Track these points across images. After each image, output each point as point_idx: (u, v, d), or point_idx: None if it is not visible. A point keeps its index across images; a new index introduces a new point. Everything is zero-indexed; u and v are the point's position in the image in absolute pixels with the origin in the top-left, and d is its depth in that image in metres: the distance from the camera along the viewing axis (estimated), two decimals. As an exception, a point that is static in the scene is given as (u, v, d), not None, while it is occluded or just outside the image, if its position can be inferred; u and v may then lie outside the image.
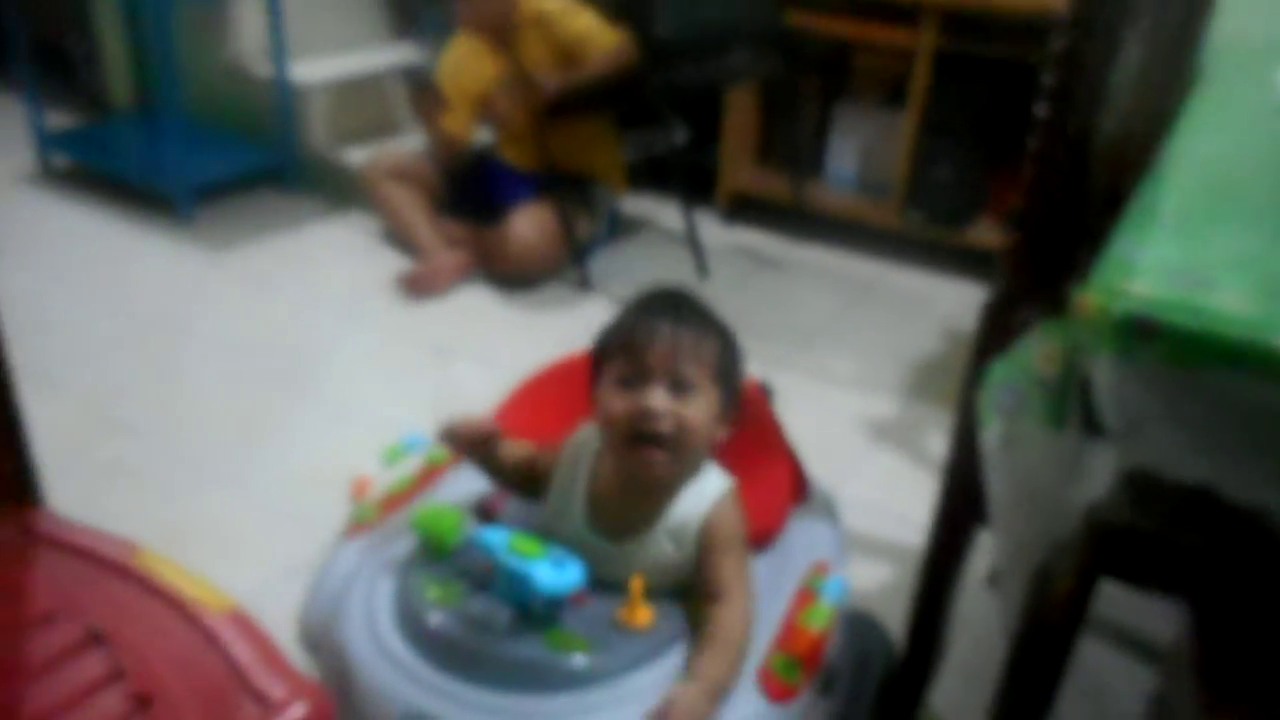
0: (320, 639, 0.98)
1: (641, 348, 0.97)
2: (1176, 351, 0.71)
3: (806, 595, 1.03)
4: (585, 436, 1.06)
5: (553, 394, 1.25)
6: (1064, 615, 0.91)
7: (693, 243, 2.59)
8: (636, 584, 0.93)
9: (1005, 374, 0.91)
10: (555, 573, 0.89)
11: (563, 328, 2.37)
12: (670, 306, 1.03)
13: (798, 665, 0.95)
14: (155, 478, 1.78)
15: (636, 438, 0.96)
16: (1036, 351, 0.90)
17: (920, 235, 2.71)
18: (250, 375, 2.12)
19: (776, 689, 0.93)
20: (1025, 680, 0.95)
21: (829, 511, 1.20)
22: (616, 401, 0.97)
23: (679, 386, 0.96)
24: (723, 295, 2.54)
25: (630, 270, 2.68)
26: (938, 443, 1.99)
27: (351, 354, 2.22)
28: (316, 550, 1.14)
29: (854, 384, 2.18)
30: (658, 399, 0.95)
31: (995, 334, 1.03)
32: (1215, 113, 1.14)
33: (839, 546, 1.15)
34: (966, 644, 1.42)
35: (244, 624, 0.92)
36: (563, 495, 1.05)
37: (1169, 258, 0.79)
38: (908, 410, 2.10)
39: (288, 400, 2.04)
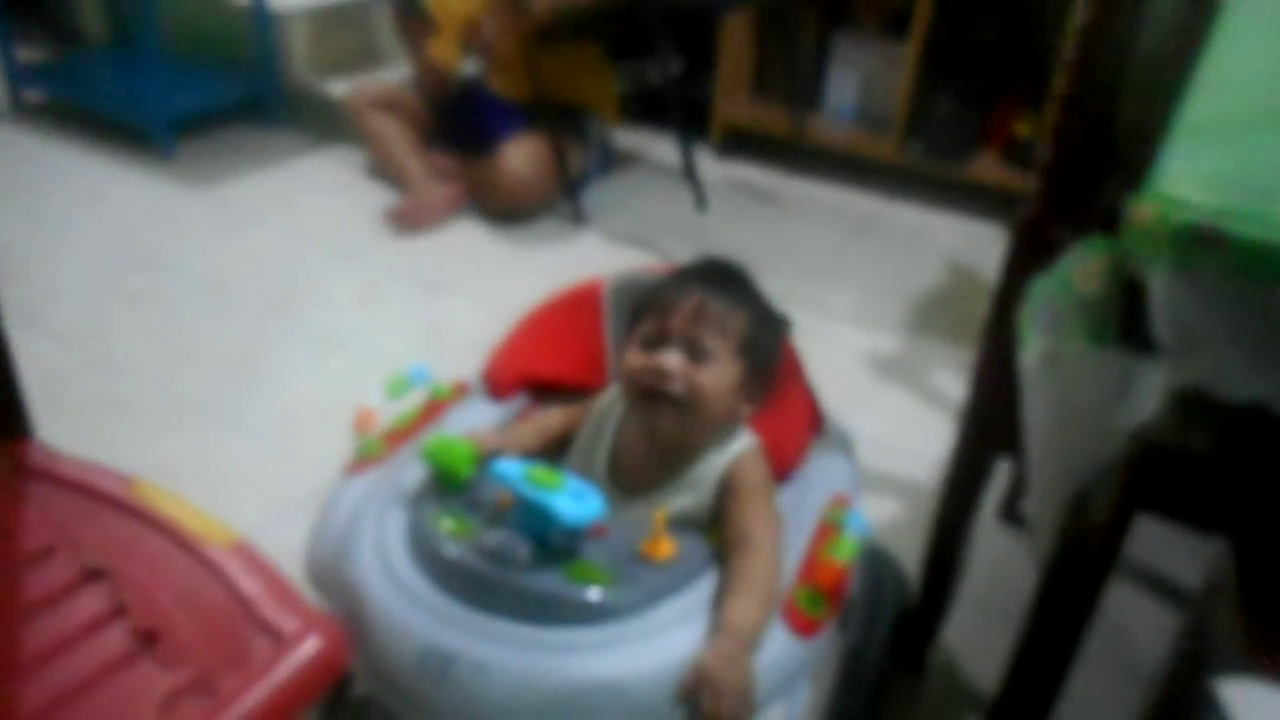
0: (329, 575, 0.94)
1: (667, 310, 0.99)
2: (1239, 262, 0.67)
3: (828, 528, 1.00)
4: (614, 397, 1.07)
5: (554, 327, 1.20)
6: (1100, 544, 0.88)
7: (691, 176, 2.53)
8: (659, 516, 0.89)
9: (1045, 291, 0.87)
10: (575, 503, 0.85)
11: (556, 262, 2.32)
12: (709, 275, 1.04)
13: (822, 598, 0.91)
14: (142, 415, 1.73)
15: (648, 394, 0.97)
16: (1076, 268, 0.86)
17: (920, 169, 2.66)
18: (236, 311, 2.07)
19: (801, 622, 0.90)
20: (1055, 613, 0.93)
21: (844, 445, 1.17)
22: (636, 357, 0.99)
23: (697, 353, 0.97)
24: (719, 230, 2.49)
25: (625, 204, 2.62)
26: (943, 378, 1.96)
27: (340, 289, 2.17)
28: (313, 485, 1.10)
29: (856, 320, 2.14)
30: (671, 360, 0.96)
31: (1027, 253, 0.99)
32: (1251, 25, 1.10)
33: (856, 480, 1.12)
34: (978, 578, 1.40)
35: (249, 556, 0.89)
36: (586, 450, 1.06)
37: (1225, 166, 0.75)
38: (911, 345, 2.07)
39: (276, 335, 1.98)
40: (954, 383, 1.95)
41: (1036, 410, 0.86)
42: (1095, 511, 0.86)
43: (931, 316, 2.18)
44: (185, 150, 2.73)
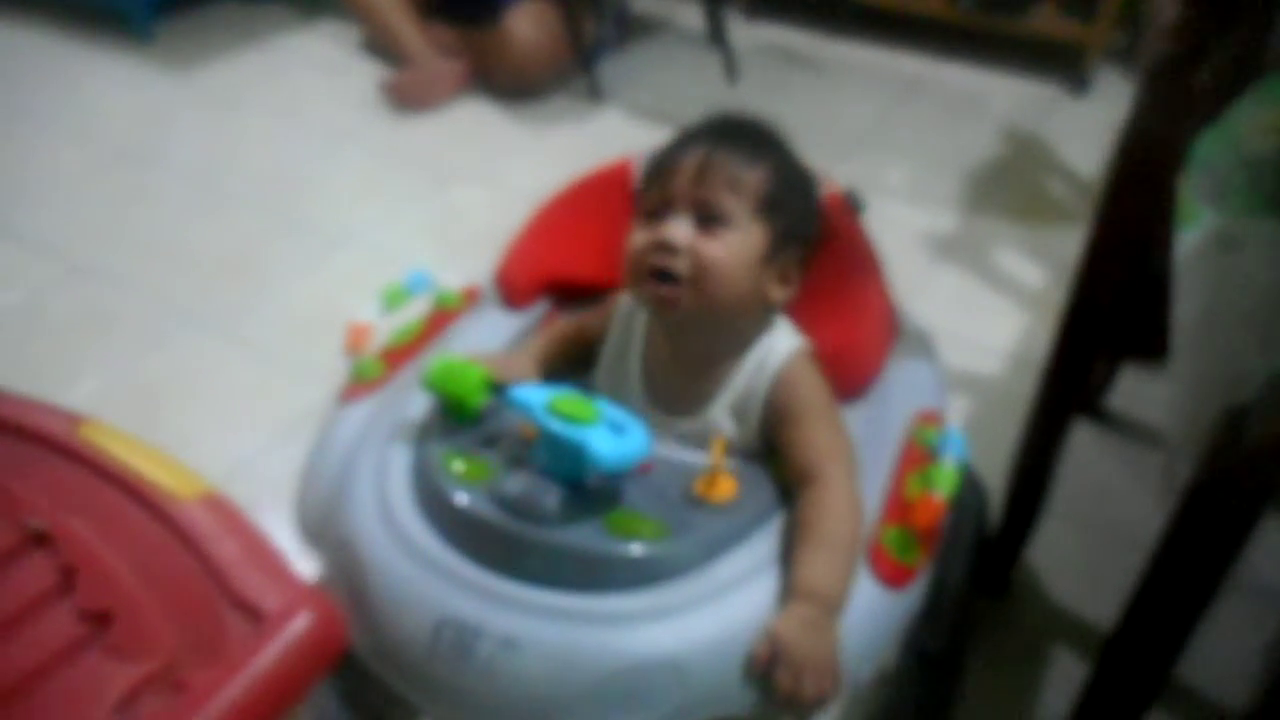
0: (321, 528, 0.79)
1: (668, 173, 0.79)
2: None
3: (917, 453, 0.83)
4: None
5: (579, 217, 1.02)
6: (1262, 471, 0.71)
7: (719, 41, 2.29)
8: (719, 445, 0.73)
9: (1208, 153, 0.68)
10: (614, 439, 0.69)
11: (573, 143, 2.12)
12: (719, 130, 0.84)
13: (915, 540, 0.75)
14: (124, 328, 1.57)
15: (654, 277, 0.78)
16: (1248, 122, 0.67)
17: (973, 24, 2.42)
18: (226, 207, 1.89)
19: (890, 571, 0.74)
20: (1195, 550, 0.77)
21: (925, 349, 0.98)
22: (636, 236, 0.80)
23: (708, 218, 0.78)
24: (752, 101, 2.25)
25: (646, 76, 2.39)
26: (1006, 259, 1.77)
27: (338, 180, 1.98)
28: (315, 403, 0.94)
29: (906, 196, 1.94)
30: (675, 230, 0.77)
31: (1163, 105, 0.79)
32: None
33: (944, 392, 0.94)
34: (1059, 480, 1.24)
35: (224, 512, 0.73)
36: (615, 365, 0.87)
37: None
38: (969, 223, 1.87)
39: (271, 233, 1.81)
40: (1019, 264, 1.76)
41: (1195, 303, 0.68)
42: (1259, 430, 0.69)
43: (990, 190, 1.98)
44: (165, 31, 2.51)
